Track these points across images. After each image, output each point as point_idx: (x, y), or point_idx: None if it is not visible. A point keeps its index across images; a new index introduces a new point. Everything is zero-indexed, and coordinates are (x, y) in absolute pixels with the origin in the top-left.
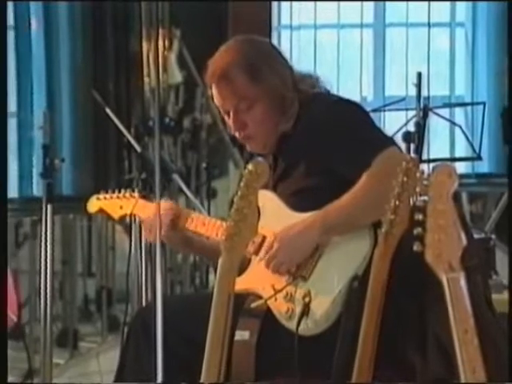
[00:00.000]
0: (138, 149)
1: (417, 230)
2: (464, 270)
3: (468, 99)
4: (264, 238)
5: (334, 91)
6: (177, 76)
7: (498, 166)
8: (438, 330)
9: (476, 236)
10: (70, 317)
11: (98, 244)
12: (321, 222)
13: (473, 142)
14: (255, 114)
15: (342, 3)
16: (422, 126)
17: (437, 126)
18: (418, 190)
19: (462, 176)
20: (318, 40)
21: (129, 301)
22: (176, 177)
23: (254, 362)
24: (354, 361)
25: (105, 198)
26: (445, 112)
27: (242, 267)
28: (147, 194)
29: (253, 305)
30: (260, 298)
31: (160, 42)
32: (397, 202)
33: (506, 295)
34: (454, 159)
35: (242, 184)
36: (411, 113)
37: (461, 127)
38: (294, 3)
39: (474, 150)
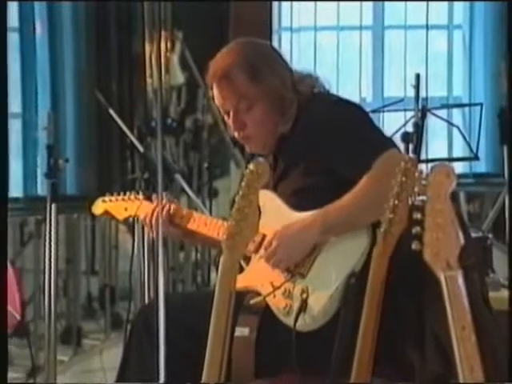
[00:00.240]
0: (141, 149)
1: (415, 229)
2: (462, 269)
3: (465, 100)
4: (264, 236)
5: (333, 92)
6: (179, 77)
7: (495, 166)
8: (436, 327)
9: (473, 235)
10: (74, 314)
11: (101, 243)
12: (321, 222)
13: (470, 142)
14: (255, 114)
15: (341, 6)
16: (420, 127)
17: (435, 126)
18: (416, 189)
19: (459, 176)
20: (318, 42)
21: (132, 299)
22: (178, 176)
23: (254, 358)
24: (352, 356)
25: (110, 201)
26: (443, 113)
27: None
28: (150, 193)
29: (252, 302)
30: (259, 294)
31: (162, 44)
32: (396, 202)
33: (502, 293)
34: (451, 159)
35: (243, 184)
36: (410, 113)
37: (458, 128)
38: (294, 6)
39: (471, 151)
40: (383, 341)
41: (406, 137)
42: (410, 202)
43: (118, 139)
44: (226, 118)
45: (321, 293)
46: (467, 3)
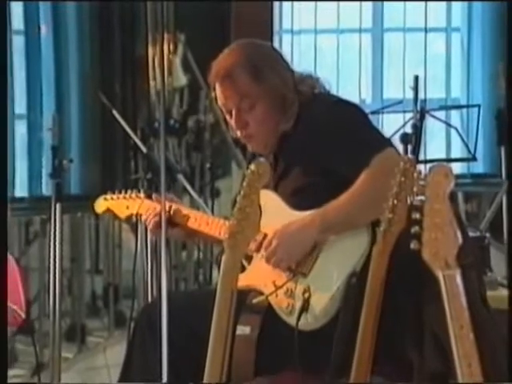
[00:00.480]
0: (144, 150)
1: (414, 229)
2: (460, 268)
3: (463, 102)
4: (265, 235)
5: (333, 93)
6: (181, 79)
7: (493, 167)
8: (435, 326)
9: (471, 234)
10: (78, 312)
11: (105, 242)
12: (320, 221)
13: (468, 143)
14: (257, 113)
15: (341, 8)
16: (418, 128)
17: (433, 127)
18: (415, 189)
19: (457, 176)
20: (318, 44)
21: (135, 297)
22: (181, 177)
23: (255, 357)
24: (352, 355)
25: (112, 199)
26: (441, 114)
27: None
28: (153, 193)
29: (254, 301)
30: (261, 294)
31: (165, 47)
32: (395, 202)
33: (500, 292)
34: (449, 160)
35: (244, 184)
36: (408, 115)
37: (456, 129)
38: (294, 8)
39: (469, 151)
40: (383, 339)
41: (404, 138)
42: (408, 202)
43: (122, 140)
44: (228, 117)
45: (322, 292)
46: (465, 6)
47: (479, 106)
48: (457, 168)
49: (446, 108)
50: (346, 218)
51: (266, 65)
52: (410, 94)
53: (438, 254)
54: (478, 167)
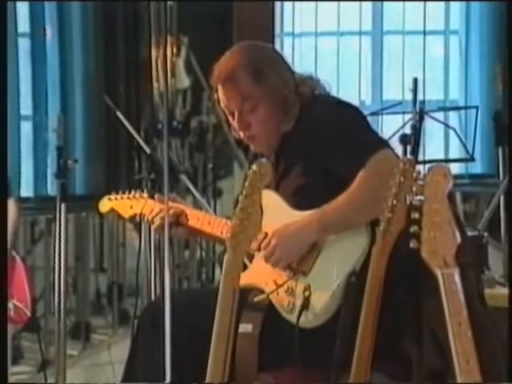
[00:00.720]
0: (148, 150)
1: (413, 228)
2: (458, 266)
3: (462, 103)
4: (266, 235)
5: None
6: (184, 81)
7: (491, 167)
8: (434, 323)
9: (469, 233)
10: (83, 310)
11: (109, 241)
12: (317, 222)
13: (466, 144)
14: (259, 114)
15: (341, 12)
16: (417, 129)
17: (432, 128)
18: (414, 189)
19: (456, 176)
20: (319, 47)
21: (138, 295)
22: (183, 177)
23: (257, 354)
24: (352, 351)
25: (116, 199)
26: (440, 115)
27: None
28: (156, 193)
29: (256, 299)
30: (262, 292)
31: (168, 49)
32: (394, 201)
33: (497, 290)
34: (448, 160)
35: (246, 184)
36: (408, 116)
37: (455, 130)
38: (296, 12)
39: (467, 152)
40: (382, 336)
41: (404, 138)
42: (408, 202)
43: (126, 141)
44: (230, 118)
45: (323, 291)
46: (463, 9)
47: (477, 107)
48: (455, 168)
49: (445, 109)
50: (342, 219)
51: (268, 66)
52: (409, 96)
53: (437, 252)
54: (476, 167)
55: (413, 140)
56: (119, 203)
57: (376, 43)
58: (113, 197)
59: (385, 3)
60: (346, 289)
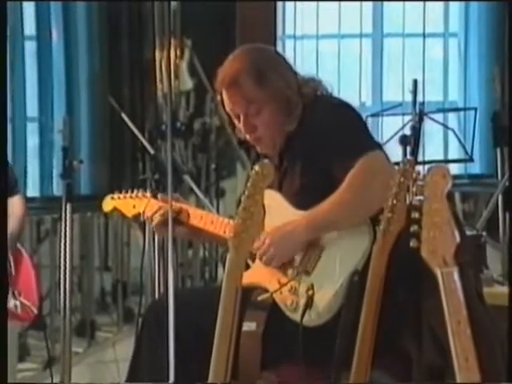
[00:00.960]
0: (152, 151)
1: (413, 228)
2: (457, 265)
3: (461, 105)
4: None
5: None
6: (188, 83)
7: (489, 168)
8: (433, 321)
9: (468, 233)
10: (88, 308)
11: (114, 240)
12: (307, 223)
13: (465, 144)
14: (264, 117)
15: (342, 15)
16: (417, 130)
17: (431, 129)
18: (414, 189)
19: (455, 177)
20: (320, 49)
21: (143, 293)
22: (187, 177)
23: (261, 352)
24: (353, 349)
25: (119, 198)
26: (439, 117)
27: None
28: (159, 193)
29: (259, 298)
30: (266, 291)
31: (172, 51)
32: (394, 201)
33: (496, 289)
34: (447, 161)
35: (248, 184)
36: (407, 117)
37: (454, 131)
38: (297, 15)
39: (466, 153)
40: (384, 332)
41: (403, 139)
42: (407, 202)
43: (130, 142)
44: (236, 121)
45: (325, 290)
46: (462, 12)
47: (476, 108)
48: (454, 169)
49: (444, 111)
50: (331, 220)
51: (270, 69)
52: (408, 97)
53: (437, 251)
54: (475, 168)
55: (412, 141)
56: (122, 202)
57: (376, 45)
58: (116, 196)
59: (385, 6)
60: (349, 288)
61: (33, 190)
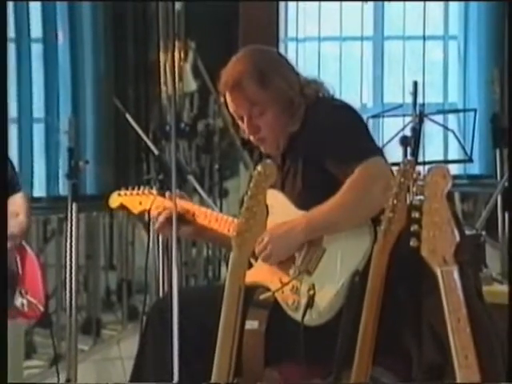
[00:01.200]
0: (156, 152)
1: (413, 227)
2: (457, 264)
3: (460, 106)
4: None
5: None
6: (192, 84)
7: (488, 168)
8: (433, 319)
9: (467, 232)
10: (94, 307)
11: (119, 240)
12: (305, 224)
13: (465, 145)
14: (267, 118)
15: (343, 18)
16: (417, 131)
17: (432, 130)
18: (414, 189)
19: (454, 177)
20: (322, 51)
21: (147, 292)
22: (191, 177)
23: (263, 350)
24: (354, 348)
25: (125, 194)
26: (439, 118)
27: None
28: (165, 193)
29: (261, 297)
30: (268, 290)
31: (176, 53)
32: (395, 201)
33: (495, 287)
34: (447, 161)
35: (251, 184)
36: (408, 119)
37: (453, 132)
38: (299, 17)
39: (465, 153)
40: (384, 331)
41: (404, 140)
42: (408, 202)
43: (135, 142)
44: (240, 122)
45: (327, 290)
46: (462, 15)
47: (475, 110)
48: (454, 169)
49: (444, 112)
50: (329, 222)
51: (273, 70)
52: (409, 99)
53: (437, 251)
54: (474, 168)
55: (413, 142)
56: (128, 199)
57: (377, 48)
58: (122, 192)
59: (386, 9)
60: (350, 288)
61: (39, 190)
